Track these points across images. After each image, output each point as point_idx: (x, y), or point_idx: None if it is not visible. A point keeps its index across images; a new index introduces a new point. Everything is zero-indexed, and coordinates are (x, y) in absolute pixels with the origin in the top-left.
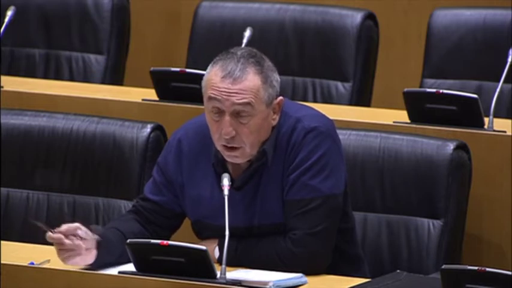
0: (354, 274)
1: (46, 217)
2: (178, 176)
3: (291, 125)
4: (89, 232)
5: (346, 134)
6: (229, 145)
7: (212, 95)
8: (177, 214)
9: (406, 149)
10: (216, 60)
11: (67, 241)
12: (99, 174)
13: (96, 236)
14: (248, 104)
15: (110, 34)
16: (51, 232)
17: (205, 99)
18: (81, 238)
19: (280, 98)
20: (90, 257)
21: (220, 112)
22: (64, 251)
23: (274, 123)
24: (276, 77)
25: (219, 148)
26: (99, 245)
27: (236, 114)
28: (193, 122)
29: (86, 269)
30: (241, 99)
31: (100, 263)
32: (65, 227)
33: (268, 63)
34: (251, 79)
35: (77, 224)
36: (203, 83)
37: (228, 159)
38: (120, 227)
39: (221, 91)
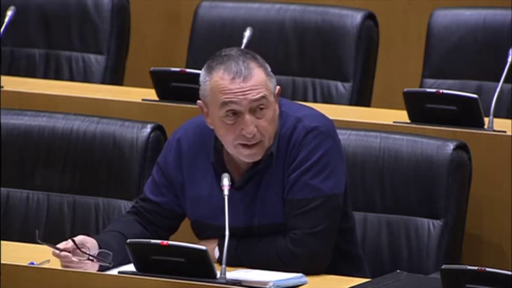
0: (354, 274)
1: (46, 217)
2: (178, 175)
3: (291, 125)
4: (93, 245)
5: (346, 134)
6: (250, 143)
7: (227, 99)
8: (178, 215)
9: (406, 149)
10: (212, 66)
11: (75, 259)
12: (99, 174)
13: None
14: (263, 97)
15: (110, 34)
16: (58, 250)
17: (214, 107)
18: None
19: (278, 87)
20: (94, 267)
21: (236, 114)
22: (69, 264)
23: (277, 113)
24: (269, 68)
25: (234, 150)
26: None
27: (253, 111)
28: (193, 121)
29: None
30: (256, 94)
31: (103, 269)
32: (71, 243)
33: (258, 56)
34: (258, 73)
35: (82, 238)
36: (206, 92)
37: (246, 159)
38: (122, 230)
39: (235, 92)
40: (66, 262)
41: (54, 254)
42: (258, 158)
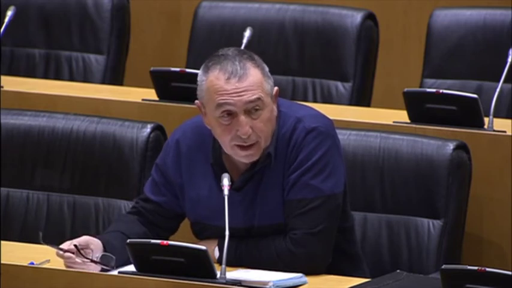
0: (353, 272)
1: (46, 217)
2: (177, 176)
3: (291, 125)
4: (97, 246)
5: (346, 134)
6: (246, 144)
7: (222, 101)
8: (178, 214)
9: (406, 149)
10: (209, 66)
11: (78, 260)
12: (99, 174)
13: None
14: (259, 99)
15: (110, 34)
16: (62, 250)
17: (210, 108)
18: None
19: (276, 88)
20: (96, 268)
21: (231, 115)
22: (72, 265)
23: (275, 113)
24: (267, 68)
25: (231, 151)
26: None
27: (248, 112)
28: (191, 122)
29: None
30: (251, 95)
31: (105, 270)
32: (74, 244)
33: (256, 56)
34: (254, 74)
35: (87, 239)
36: (203, 92)
37: (243, 160)
38: (125, 230)
39: (230, 93)
40: (69, 263)
41: (58, 255)
42: (254, 158)
